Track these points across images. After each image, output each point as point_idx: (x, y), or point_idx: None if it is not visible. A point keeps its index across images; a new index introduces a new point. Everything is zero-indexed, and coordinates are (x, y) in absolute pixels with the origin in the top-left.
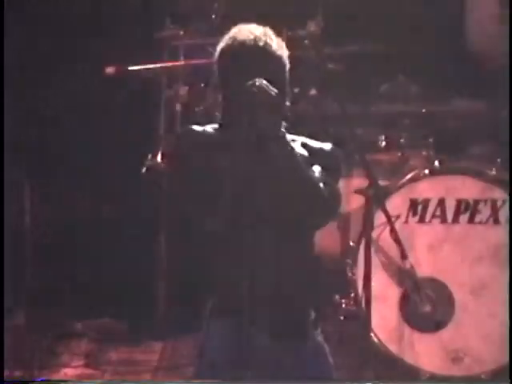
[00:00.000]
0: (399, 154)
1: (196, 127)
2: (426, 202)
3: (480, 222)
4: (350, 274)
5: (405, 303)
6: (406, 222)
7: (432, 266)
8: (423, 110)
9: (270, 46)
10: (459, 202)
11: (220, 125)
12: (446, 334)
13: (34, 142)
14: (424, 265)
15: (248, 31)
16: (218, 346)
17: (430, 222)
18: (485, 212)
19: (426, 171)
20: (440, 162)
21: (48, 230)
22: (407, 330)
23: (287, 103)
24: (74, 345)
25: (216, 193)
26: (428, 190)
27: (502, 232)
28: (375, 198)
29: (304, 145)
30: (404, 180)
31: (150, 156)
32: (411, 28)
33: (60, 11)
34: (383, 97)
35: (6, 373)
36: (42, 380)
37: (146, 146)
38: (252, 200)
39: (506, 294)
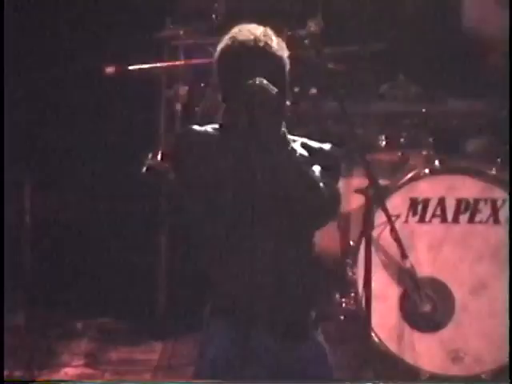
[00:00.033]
0: (399, 154)
1: (196, 127)
2: (426, 202)
3: (480, 222)
4: (350, 274)
5: (405, 303)
6: (406, 221)
7: (432, 265)
8: (423, 110)
9: (270, 46)
10: (459, 202)
11: (220, 125)
12: (446, 333)
13: (34, 142)
14: (424, 264)
15: (248, 31)
16: (218, 346)
17: (430, 221)
18: (485, 212)
19: (426, 171)
20: (440, 162)
21: (48, 229)
22: (407, 329)
23: (287, 103)
24: (74, 345)
25: (216, 193)
26: (428, 189)
27: (502, 232)
28: (375, 198)
29: (304, 145)
30: (404, 179)
31: (150, 156)
32: (411, 28)
33: (60, 11)
34: (383, 97)
35: (6, 373)
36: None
37: (146, 146)
38: (252, 200)
39: (506, 294)
